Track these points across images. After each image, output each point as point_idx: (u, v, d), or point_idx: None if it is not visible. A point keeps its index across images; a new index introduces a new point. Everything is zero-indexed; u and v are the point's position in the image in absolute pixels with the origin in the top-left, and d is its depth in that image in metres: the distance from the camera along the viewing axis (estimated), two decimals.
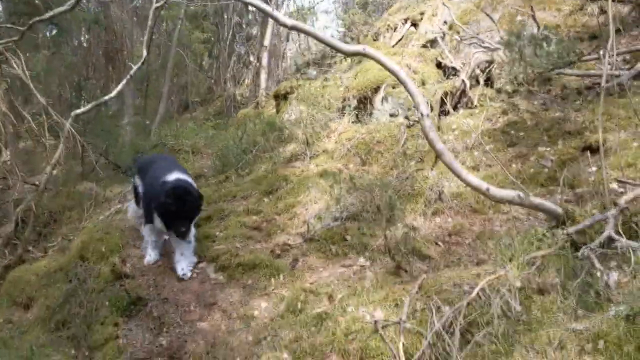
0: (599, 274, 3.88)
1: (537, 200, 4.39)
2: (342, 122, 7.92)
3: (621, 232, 3.94)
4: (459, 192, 6.15)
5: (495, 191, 4.31)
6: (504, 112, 6.98)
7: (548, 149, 6.20)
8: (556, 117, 6.51)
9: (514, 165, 6.25)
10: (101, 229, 7.28)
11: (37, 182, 8.05)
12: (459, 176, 4.24)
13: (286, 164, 7.83)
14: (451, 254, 5.27)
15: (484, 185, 4.30)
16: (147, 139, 9.93)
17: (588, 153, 5.76)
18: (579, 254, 4.07)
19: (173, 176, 5.80)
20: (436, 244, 5.55)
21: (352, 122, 8.01)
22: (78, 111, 7.42)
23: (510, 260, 4.10)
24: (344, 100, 8.25)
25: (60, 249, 7.55)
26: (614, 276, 3.92)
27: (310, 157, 7.66)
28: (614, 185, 4.90)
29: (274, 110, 10.15)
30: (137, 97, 11.96)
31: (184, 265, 5.92)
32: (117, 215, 8.17)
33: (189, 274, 5.90)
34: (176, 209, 5.43)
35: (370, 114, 7.82)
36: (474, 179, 4.30)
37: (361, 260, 5.63)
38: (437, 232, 5.66)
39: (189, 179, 6.00)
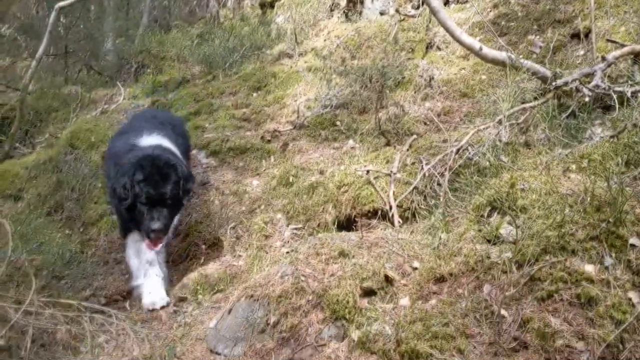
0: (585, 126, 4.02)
1: (527, 62, 4.48)
2: (332, 21, 7.86)
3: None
4: (449, 79, 6.20)
5: (487, 51, 4.37)
6: (495, 6, 6.98)
7: (538, 36, 6.25)
8: (546, 8, 6.53)
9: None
10: (89, 121, 7.26)
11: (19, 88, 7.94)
12: (452, 34, 4.28)
13: (274, 62, 7.80)
14: (440, 130, 5.36)
15: (477, 44, 4.35)
16: (131, 45, 9.75)
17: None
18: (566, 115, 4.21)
19: (148, 140, 4.37)
20: (425, 123, 5.63)
21: (342, 22, 7.95)
22: (62, 3, 7.24)
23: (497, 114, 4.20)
24: (333, 1, 8.17)
25: (49, 145, 7.53)
26: (598, 130, 4.05)
27: (299, 55, 7.62)
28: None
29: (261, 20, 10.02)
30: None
31: (153, 289, 4.09)
32: (103, 115, 8.13)
33: (161, 302, 4.02)
34: (150, 191, 3.89)
35: (360, 12, 7.76)
36: (467, 37, 4.35)
37: (351, 142, 5.71)
38: (427, 114, 5.73)
39: (174, 147, 4.51)
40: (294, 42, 7.70)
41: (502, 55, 4.36)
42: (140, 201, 3.91)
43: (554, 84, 4.11)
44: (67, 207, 5.95)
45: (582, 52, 5.74)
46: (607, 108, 4.19)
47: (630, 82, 4.02)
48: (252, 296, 3.29)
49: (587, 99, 3.70)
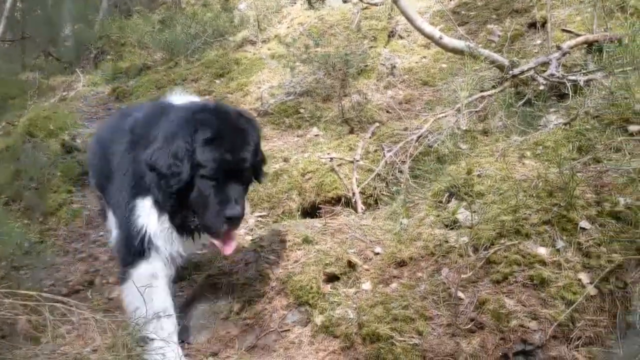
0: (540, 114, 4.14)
1: (486, 51, 4.58)
2: (295, 8, 7.84)
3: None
4: (411, 67, 6.29)
5: (447, 40, 4.45)
6: None
7: (496, 25, 6.38)
8: None
9: None
10: (48, 109, 7.10)
11: None
12: (413, 23, 4.35)
13: (238, 49, 7.76)
14: (402, 118, 5.44)
15: (437, 33, 4.42)
16: (90, 31, 9.52)
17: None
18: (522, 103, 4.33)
19: (183, 99, 3.15)
20: (387, 111, 5.70)
21: (305, 9, 7.94)
22: None
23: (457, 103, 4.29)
24: None
25: (6, 133, 7.34)
26: (553, 118, 4.18)
27: (263, 42, 7.59)
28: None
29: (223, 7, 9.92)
30: None
31: None
32: (62, 102, 7.96)
33: None
34: (225, 157, 2.70)
35: (323, 0, 7.76)
36: (427, 26, 4.41)
37: (315, 130, 5.74)
38: (389, 102, 5.81)
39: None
40: (257, 29, 7.66)
41: (461, 44, 4.45)
42: (207, 173, 2.67)
43: (510, 72, 4.22)
44: (25, 196, 5.83)
45: (539, 41, 5.89)
46: (562, 96, 4.32)
47: (583, 71, 4.15)
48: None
49: (542, 88, 3.82)
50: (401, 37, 6.81)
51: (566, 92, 4.10)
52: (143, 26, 9.54)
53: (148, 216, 2.90)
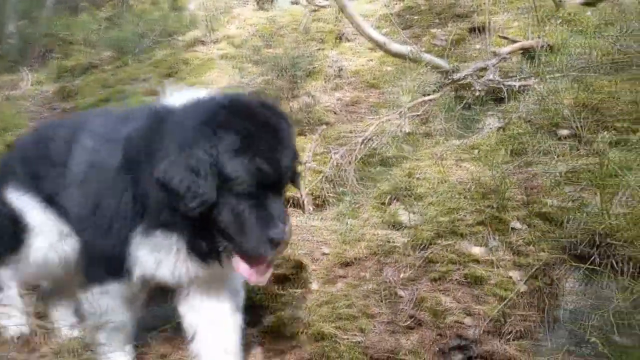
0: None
1: (428, 56, 4.75)
2: (246, 9, 7.87)
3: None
4: (357, 70, 6.42)
5: (392, 45, 4.60)
6: None
7: (440, 30, 6.59)
8: (447, 2, 6.90)
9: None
10: None
11: None
12: (358, 28, 4.47)
13: (187, 49, 7.72)
14: (349, 120, 5.57)
15: (382, 38, 4.56)
16: (35, 28, 9.27)
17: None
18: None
19: (184, 96, 2.54)
20: (335, 113, 5.82)
21: (256, 10, 7.98)
22: None
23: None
24: None
25: None
26: (491, 122, 4.39)
27: (213, 42, 7.59)
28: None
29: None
30: None
31: None
32: (7, 102, 7.72)
33: None
34: (262, 167, 2.19)
35: (272, 1, 7.82)
36: (373, 32, 4.55)
37: None
38: (337, 104, 5.92)
39: None
40: (207, 30, 7.65)
41: (405, 49, 4.60)
42: (240, 189, 2.18)
43: (451, 77, 4.39)
44: None
45: (479, 46, 6.13)
46: (500, 100, 4.54)
47: (518, 77, 4.37)
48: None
49: (477, 93, 4.01)
50: (349, 40, 6.94)
51: (503, 96, 4.31)
52: (90, 24, 9.35)
53: (140, 244, 2.46)
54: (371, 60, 6.66)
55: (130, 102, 6.74)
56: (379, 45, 4.57)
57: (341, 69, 6.41)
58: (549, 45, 4.56)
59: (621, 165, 2.70)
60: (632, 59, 3.73)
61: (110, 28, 8.92)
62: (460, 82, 4.43)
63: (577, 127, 3.40)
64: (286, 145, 2.27)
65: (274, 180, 2.21)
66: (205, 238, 2.32)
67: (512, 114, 3.80)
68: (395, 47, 4.60)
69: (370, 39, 4.54)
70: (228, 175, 2.16)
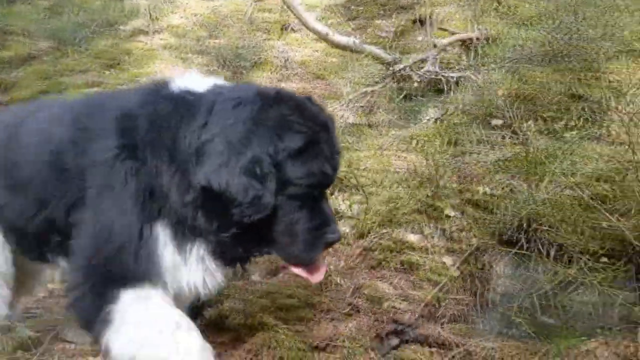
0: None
1: (370, 47, 4.81)
2: None
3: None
4: (304, 61, 6.42)
5: (335, 36, 4.63)
6: None
7: (384, 21, 6.66)
8: None
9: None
10: None
11: None
12: (300, 18, 4.47)
13: (129, 39, 7.54)
14: None
15: (325, 30, 4.59)
16: None
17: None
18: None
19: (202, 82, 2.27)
20: None
21: (199, 0, 7.87)
22: None
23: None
24: None
25: None
26: (431, 112, 4.49)
27: (155, 32, 7.44)
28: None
29: None
30: None
31: None
32: None
33: None
34: (327, 171, 2.06)
35: None
36: (317, 24, 4.57)
37: None
38: None
39: None
40: (150, 19, 7.48)
41: (348, 40, 4.64)
42: (300, 192, 2.02)
43: (392, 68, 4.46)
44: None
45: (421, 38, 6.24)
46: (440, 92, 4.64)
47: (457, 68, 4.48)
48: None
49: (416, 84, 4.08)
50: (294, 31, 6.91)
51: (442, 88, 4.41)
52: (29, 13, 8.99)
53: (163, 244, 2.12)
54: (317, 51, 6.67)
55: (70, 94, 6.56)
56: (322, 36, 4.59)
57: (287, 60, 6.40)
58: (487, 37, 4.68)
59: (547, 154, 2.82)
60: (562, 51, 3.88)
61: (50, 18, 8.61)
62: (401, 74, 4.49)
63: (509, 117, 3.53)
64: (338, 146, 2.17)
65: (331, 182, 2.14)
66: (241, 243, 2.10)
67: (449, 105, 3.90)
68: (338, 38, 4.63)
69: (313, 30, 4.56)
70: (289, 178, 1.97)
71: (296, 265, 2.16)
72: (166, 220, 2.09)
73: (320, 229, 2.07)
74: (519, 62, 3.99)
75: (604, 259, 2.59)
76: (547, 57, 3.95)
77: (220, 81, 2.27)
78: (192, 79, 2.25)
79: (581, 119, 3.30)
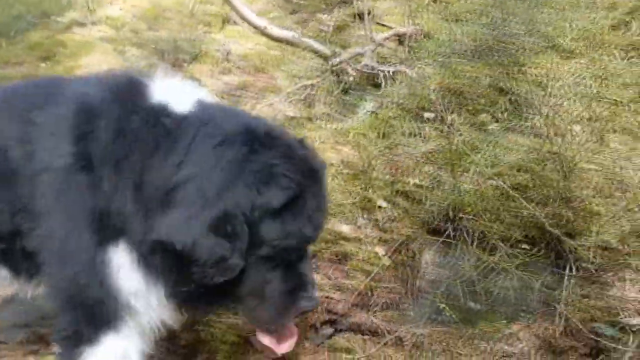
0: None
1: (310, 41, 4.85)
2: None
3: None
4: (246, 54, 6.40)
5: (274, 30, 4.65)
6: None
7: (326, 15, 6.71)
8: None
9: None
10: None
11: None
12: (237, 11, 4.46)
13: (65, 31, 7.32)
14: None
15: (263, 23, 4.60)
16: None
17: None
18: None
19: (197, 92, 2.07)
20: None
21: None
22: None
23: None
24: None
25: None
26: (369, 106, 4.57)
27: (92, 24, 7.25)
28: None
29: None
30: None
31: None
32: None
33: None
34: (307, 232, 1.85)
35: None
36: (254, 17, 4.56)
37: None
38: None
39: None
40: (87, 10, 7.29)
41: (287, 33, 4.67)
42: (273, 254, 1.80)
43: (331, 62, 4.51)
44: None
45: (362, 32, 6.32)
46: (377, 85, 4.72)
47: (393, 62, 4.57)
48: None
49: (352, 78, 4.15)
50: (236, 23, 6.87)
51: (379, 82, 4.49)
52: None
53: (125, 271, 1.85)
54: (259, 44, 6.65)
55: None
56: (260, 30, 4.60)
57: (229, 53, 6.37)
58: (422, 32, 4.79)
59: (472, 146, 2.93)
60: (492, 46, 4.01)
61: None
62: (339, 67, 4.55)
63: (441, 110, 3.63)
64: (326, 199, 1.93)
65: (311, 242, 1.91)
66: (202, 299, 1.87)
67: (385, 99, 3.98)
68: (276, 31, 4.66)
69: (250, 22, 4.55)
70: (262, 239, 1.73)
71: (262, 330, 1.96)
72: (126, 247, 1.83)
73: (294, 294, 1.84)
74: (451, 57, 4.11)
75: (525, 246, 2.73)
76: (477, 52, 4.08)
77: (204, 95, 2.03)
78: (174, 89, 1.95)
79: (506, 111, 3.45)
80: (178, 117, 1.82)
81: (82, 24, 7.40)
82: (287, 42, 4.78)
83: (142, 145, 1.79)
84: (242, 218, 1.68)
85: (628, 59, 3.94)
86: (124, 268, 1.83)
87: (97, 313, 1.87)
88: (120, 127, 1.81)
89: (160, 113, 1.83)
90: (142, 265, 1.83)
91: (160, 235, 1.69)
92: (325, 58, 4.89)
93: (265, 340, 1.96)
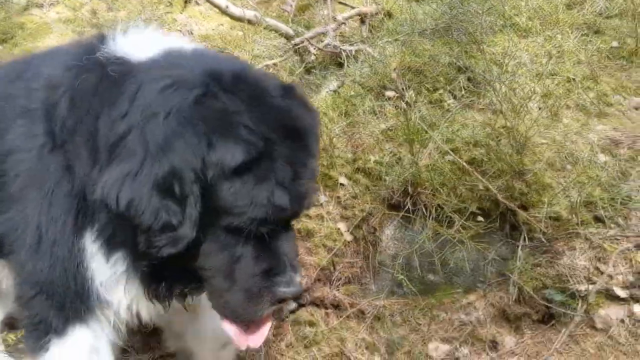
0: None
1: (272, 20, 4.83)
2: None
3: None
4: (208, 34, 6.34)
5: (235, 9, 4.63)
6: None
7: None
8: None
9: None
10: None
11: None
12: None
13: (22, 12, 7.13)
14: None
15: (224, 2, 4.55)
16: None
17: None
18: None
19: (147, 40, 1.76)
20: None
21: None
22: None
23: None
24: None
25: None
26: (334, 85, 4.59)
27: (50, 5, 7.08)
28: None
29: None
30: None
31: None
32: None
33: None
34: (281, 202, 1.48)
35: None
36: None
37: None
38: None
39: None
40: None
41: (249, 13, 4.65)
42: (240, 225, 1.49)
43: (293, 42, 4.51)
44: None
45: (326, 12, 6.32)
46: (341, 65, 4.75)
47: (355, 41, 4.60)
48: None
49: (313, 57, 4.17)
50: (197, 4, 6.79)
51: (342, 61, 4.52)
52: None
53: (95, 260, 1.69)
54: (222, 24, 6.59)
55: None
56: (221, 9, 4.57)
57: (191, 33, 6.30)
58: (384, 11, 4.82)
59: (429, 123, 3.00)
60: (451, 25, 4.07)
61: None
62: (301, 47, 4.56)
63: (402, 88, 3.69)
64: (314, 160, 1.57)
65: (291, 215, 1.54)
66: (161, 278, 1.62)
67: (347, 78, 4.01)
68: (237, 10, 4.64)
69: (211, 2, 4.52)
70: (222, 204, 1.44)
71: (229, 319, 1.63)
72: (96, 232, 1.65)
73: (270, 278, 1.51)
74: (412, 36, 4.15)
75: (480, 219, 2.82)
76: (437, 31, 4.14)
77: (182, 43, 1.75)
78: (139, 37, 1.71)
79: (465, 89, 3.52)
80: (128, 66, 1.59)
81: (39, 5, 7.21)
82: (249, 22, 4.75)
83: (92, 104, 1.59)
84: (192, 177, 1.40)
85: (580, 37, 4.04)
86: (96, 255, 1.68)
87: (67, 303, 1.74)
88: (72, 93, 1.64)
89: (112, 62, 1.60)
90: (105, 243, 1.64)
91: (98, 194, 1.46)
92: (288, 38, 4.89)
93: (230, 331, 1.64)
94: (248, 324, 1.62)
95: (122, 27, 1.81)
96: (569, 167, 2.99)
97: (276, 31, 4.84)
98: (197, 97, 1.44)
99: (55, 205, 1.66)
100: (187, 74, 1.51)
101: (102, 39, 1.74)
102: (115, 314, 1.79)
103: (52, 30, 6.55)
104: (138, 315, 1.83)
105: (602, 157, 3.04)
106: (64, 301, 1.74)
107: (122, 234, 1.58)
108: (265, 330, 1.66)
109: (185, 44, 1.79)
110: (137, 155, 1.43)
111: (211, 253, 1.51)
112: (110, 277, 1.70)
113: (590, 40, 4.12)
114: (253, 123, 1.42)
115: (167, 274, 1.60)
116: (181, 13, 6.71)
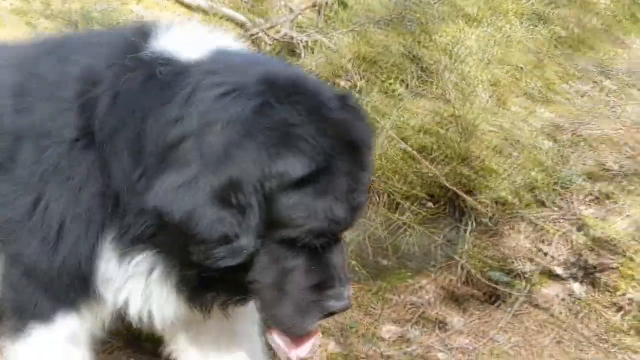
0: None
1: (227, 10, 4.83)
2: None
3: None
4: None
5: None
6: None
7: None
8: None
9: None
10: None
11: None
12: None
13: None
14: None
15: None
16: None
17: None
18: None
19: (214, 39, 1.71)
20: None
21: None
22: None
23: None
24: None
25: None
26: None
27: None
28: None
29: None
30: None
31: None
32: None
33: None
34: (339, 214, 1.46)
35: None
36: None
37: None
38: None
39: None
40: None
41: (204, 2, 4.64)
42: (296, 237, 1.46)
43: (249, 32, 4.52)
44: None
45: (281, 2, 6.34)
46: (297, 55, 4.78)
47: (311, 32, 4.63)
48: None
49: (268, 48, 4.19)
50: None
51: (298, 51, 4.55)
52: None
53: (108, 259, 1.66)
54: (179, 15, 6.54)
55: None
56: None
57: None
58: (339, 1, 4.86)
59: (382, 112, 3.06)
60: (405, 15, 4.14)
61: None
62: (257, 37, 4.57)
63: (357, 78, 3.75)
64: (368, 173, 1.56)
65: (345, 227, 1.53)
66: (209, 287, 1.60)
67: (303, 68, 4.04)
68: (194, 0, 4.62)
69: None
70: (279, 216, 1.42)
71: (278, 330, 1.63)
72: (120, 234, 1.61)
73: (321, 292, 1.51)
74: (366, 26, 4.21)
75: (429, 205, 2.91)
76: (391, 21, 4.21)
77: (230, 41, 1.70)
78: (185, 35, 1.65)
79: (417, 78, 3.60)
80: (180, 66, 1.53)
81: None
82: (204, 12, 4.74)
83: (140, 105, 1.53)
84: (252, 188, 1.37)
85: (529, 27, 4.17)
86: (110, 255, 1.64)
87: (61, 293, 1.72)
88: (115, 90, 1.56)
89: (161, 63, 1.54)
90: (125, 245, 1.61)
91: (149, 202, 1.43)
92: (244, 27, 4.89)
93: (278, 340, 1.64)
94: (296, 337, 1.62)
95: (164, 23, 1.72)
96: (515, 153, 3.10)
97: (233, 21, 4.83)
98: (257, 106, 1.41)
99: (83, 203, 1.61)
100: (244, 81, 1.48)
101: (144, 35, 1.66)
102: (106, 311, 1.76)
103: (4, 22, 6.38)
104: (150, 319, 1.75)
105: (547, 143, 3.16)
106: (57, 290, 1.70)
107: (162, 241, 1.55)
108: (313, 341, 1.67)
109: (231, 42, 1.75)
110: (194, 164, 1.40)
111: (264, 265, 1.48)
112: (119, 278, 1.66)
113: (539, 30, 4.27)
114: (313, 136, 1.40)
115: (217, 284, 1.57)
116: (137, 4, 6.63)
